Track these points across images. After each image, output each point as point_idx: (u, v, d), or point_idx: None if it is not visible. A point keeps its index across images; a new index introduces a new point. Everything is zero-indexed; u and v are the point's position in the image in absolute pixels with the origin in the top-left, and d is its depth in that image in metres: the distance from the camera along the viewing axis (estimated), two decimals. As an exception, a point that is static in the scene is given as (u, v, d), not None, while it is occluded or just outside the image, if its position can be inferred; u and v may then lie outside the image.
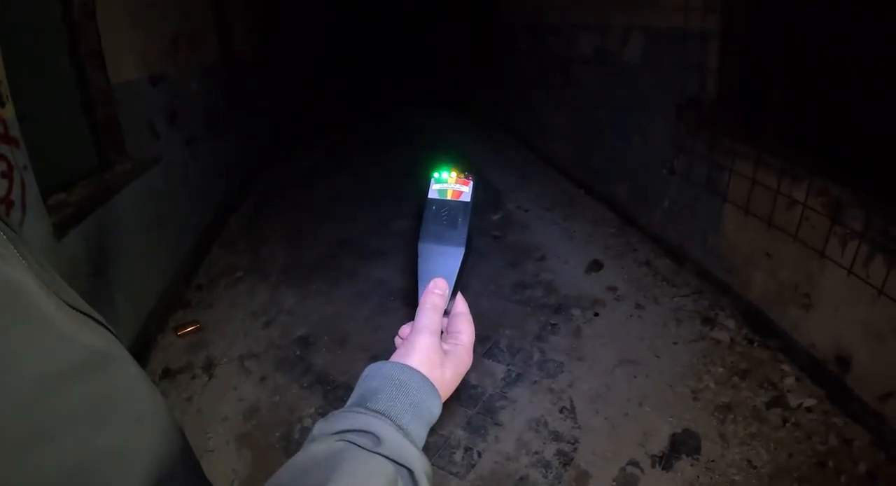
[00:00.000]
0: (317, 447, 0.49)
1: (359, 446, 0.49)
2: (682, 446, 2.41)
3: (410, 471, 0.50)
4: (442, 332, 0.66)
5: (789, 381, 2.69)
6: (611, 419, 2.59)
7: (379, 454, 0.49)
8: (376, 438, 0.50)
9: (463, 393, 2.77)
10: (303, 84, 10.82)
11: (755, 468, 2.29)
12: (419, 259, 0.67)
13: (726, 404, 2.61)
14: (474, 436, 2.54)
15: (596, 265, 3.88)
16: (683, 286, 3.54)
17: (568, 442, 2.48)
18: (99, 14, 3.02)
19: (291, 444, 2.51)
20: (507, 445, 2.49)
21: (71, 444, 0.44)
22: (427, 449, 2.22)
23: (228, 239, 4.78)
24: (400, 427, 0.52)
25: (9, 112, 2.10)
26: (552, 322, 3.31)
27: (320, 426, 0.52)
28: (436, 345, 0.61)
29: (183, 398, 2.82)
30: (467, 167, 0.70)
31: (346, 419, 0.52)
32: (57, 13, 2.88)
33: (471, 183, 0.69)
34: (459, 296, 0.69)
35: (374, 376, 0.57)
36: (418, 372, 0.57)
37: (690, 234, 3.63)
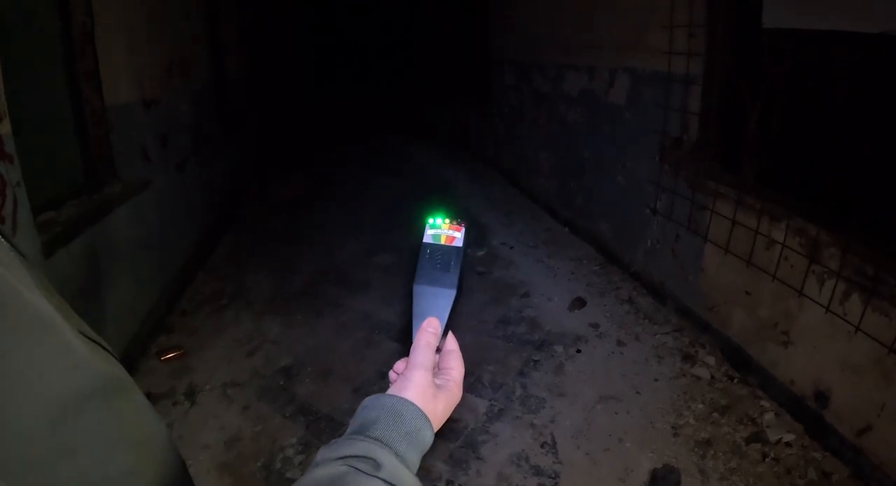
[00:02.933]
0: (321, 471, 0.52)
1: (360, 470, 0.52)
2: (662, 481, 2.42)
3: None
4: (434, 368, 0.70)
5: (769, 417, 2.72)
6: (591, 455, 2.59)
7: (378, 477, 0.52)
8: (376, 463, 0.53)
9: (445, 427, 2.74)
10: (289, 111, 10.90)
11: (735, 503, 2.31)
12: (414, 300, 0.72)
13: (706, 439, 2.62)
14: (456, 469, 2.53)
15: (579, 302, 3.92)
16: (665, 324, 3.58)
17: (549, 477, 2.48)
18: (98, 36, 3.08)
19: (272, 474, 2.49)
20: (489, 479, 2.48)
21: (90, 463, 0.48)
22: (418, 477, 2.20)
23: (213, 265, 4.78)
24: (397, 454, 0.56)
25: (5, 128, 2.11)
26: (535, 358, 3.33)
27: (323, 452, 0.55)
28: (429, 380, 0.65)
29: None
30: (459, 212, 0.76)
31: (347, 445, 0.55)
32: (55, 32, 2.93)
33: (463, 229, 0.75)
34: (450, 335, 0.73)
35: (372, 407, 0.61)
36: (414, 404, 0.61)
37: (672, 272, 3.69)
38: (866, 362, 2.35)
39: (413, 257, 0.74)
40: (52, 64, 2.95)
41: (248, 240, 5.45)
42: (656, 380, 3.07)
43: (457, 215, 0.77)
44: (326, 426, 2.80)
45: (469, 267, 4.57)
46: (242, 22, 7.14)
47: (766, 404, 2.82)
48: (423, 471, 2.48)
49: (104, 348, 0.56)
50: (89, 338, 0.54)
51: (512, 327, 3.69)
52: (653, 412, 2.83)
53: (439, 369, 0.71)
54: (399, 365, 0.71)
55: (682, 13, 3.25)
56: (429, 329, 0.70)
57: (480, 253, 4.87)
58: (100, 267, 2.92)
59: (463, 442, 2.68)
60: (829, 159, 2.63)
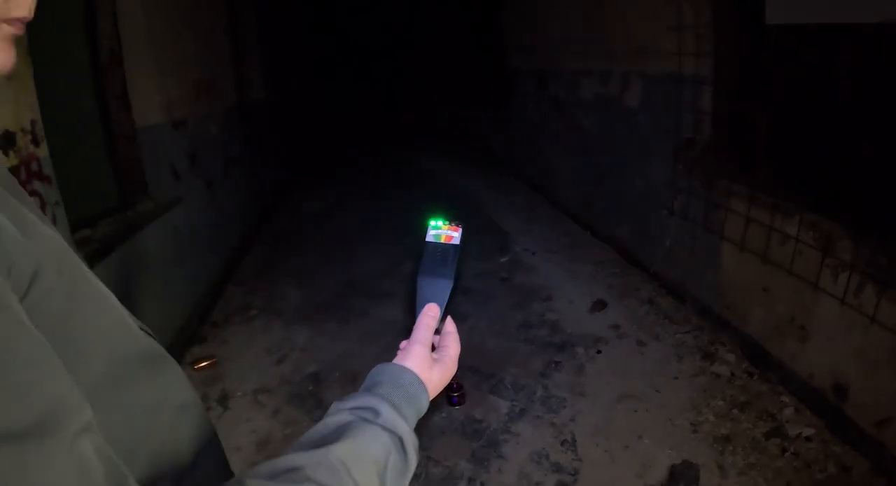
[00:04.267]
0: (331, 419, 0.65)
1: (363, 418, 0.64)
2: (680, 476, 2.44)
3: (401, 439, 0.65)
4: (434, 347, 0.81)
5: (788, 412, 2.73)
6: (611, 452, 2.64)
7: (377, 424, 0.64)
8: (376, 412, 0.65)
9: (468, 427, 2.83)
10: (305, 121, 11.03)
11: (754, 497, 2.33)
12: (417, 289, 0.84)
13: (725, 435, 2.64)
14: (478, 468, 2.59)
15: (600, 305, 3.96)
16: (685, 323, 3.60)
17: (568, 474, 2.53)
18: (126, 60, 3.26)
19: (300, 474, 2.58)
20: (510, 476, 2.54)
21: (139, 419, 0.61)
22: (431, 480, 2.29)
23: (243, 278, 4.94)
24: (395, 408, 0.67)
25: (43, 151, 2.28)
26: (556, 360, 3.38)
27: (335, 405, 0.67)
28: (427, 354, 0.77)
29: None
30: (458, 216, 0.89)
31: (355, 399, 0.67)
32: (85, 58, 3.11)
33: (460, 230, 0.87)
34: (449, 319, 0.85)
35: (378, 373, 0.72)
36: (413, 372, 0.72)
37: (691, 272, 3.71)
38: (883, 353, 2.35)
39: (418, 255, 0.86)
40: (84, 89, 3.12)
41: (276, 253, 5.60)
42: (676, 378, 3.10)
43: (455, 217, 0.88)
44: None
45: (492, 273, 4.66)
46: (260, 37, 7.33)
47: (785, 399, 2.83)
48: (446, 470, 2.57)
49: (147, 331, 0.68)
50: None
51: (534, 330, 3.74)
52: (672, 409, 2.86)
53: (438, 347, 0.82)
54: (404, 344, 0.82)
55: (688, 14, 3.30)
56: (429, 313, 0.81)
57: (503, 260, 4.94)
58: (134, 282, 3.06)
59: (485, 442, 2.74)
60: (838, 152, 2.65)
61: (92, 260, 2.60)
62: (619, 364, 3.29)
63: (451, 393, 2.96)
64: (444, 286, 0.84)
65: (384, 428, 0.64)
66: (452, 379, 0.82)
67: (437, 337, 0.83)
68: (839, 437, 2.54)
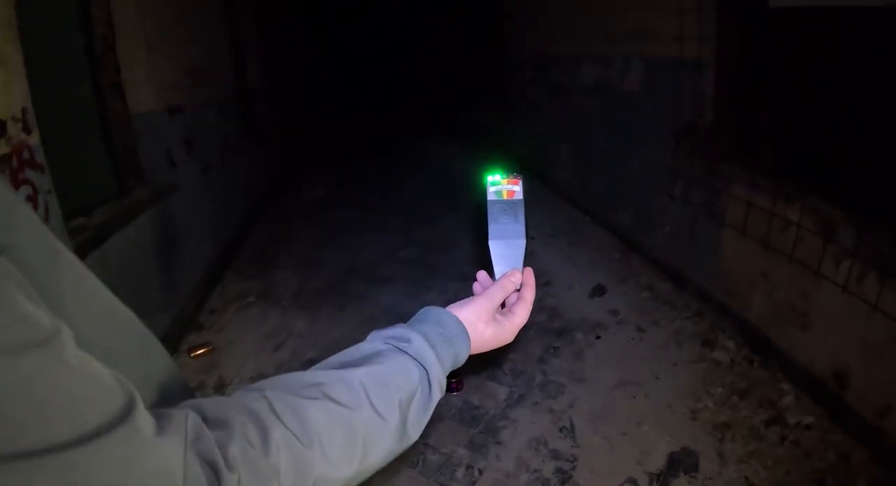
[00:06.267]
0: (365, 345, 0.69)
1: (395, 347, 0.67)
2: (679, 464, 2.43)
3: (427, 372, 0.67)
4: (504, 306, 0.82)
5: (788, 399, 2.72)
6: (609, 439, 2.62)
7: (407, 353, 0.67)
8: (408, 341, 0.68)
9: (465, 414, 2.82)
10: (310, 115, 10.97)
11: (753, 485, 2.32)
12: (492, 254, 0.82)
13: (725, 423, 2.63)
14: (475, 455, 2.57)
15: (599, 290, 3.93)
16: (684, 309, 3.58)
17: (567, 460, 2.51)
18: (120, 47, 3.21)
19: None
20: (508, 463, 2.52)
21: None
22: (429, 467, 2.26)
23: (240, 265, 4.91)
24: (428, 341, 0.69)
25: (35, 139, 2.24)
26: (555, 345, 3.36)
27: (373, 334, 0.71)
28: (488, 308, 0.77)
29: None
30: (514, 168, 0.86)
31: (393, 331, 0.70)
32: (79, 45, 3.06)
33: (520, 181, 0.84)
34: (530, 287, 0.82)
35: (423, 312, 0.74)
36: (455, 317, 0.73)
37: (691, 258, 3.69)
38: (885, 341, 2.33)
39: (477, 212, 0.85)
40: (78, 76, 3.07)
41: (273, 241, 5.56)
42: (675, 365, 3.08)
43: (511, 169, 0.85)
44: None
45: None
46: (260, 28, 7.25)
47: (785, 386, 2.81)
48: (444, 457, 2.55)
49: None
50: None
51: (533, 315, 3.70)
52: (671, 396, 2.85)
53: (507, 309, 0.81)
54: (482, 274, 0.85)
55: (690, -3, 3.24)
56: (511, 278, 0.81)
57: (502, 244, 4.90)
58: (129, 269, 3.03)
59: (483, 428, 2.73)
60: (842, 137, 2.61)
61: (87, 248, 2.57)
62: (617, 350, 3.28)
63: (449, 379, 2.94)
64: (519, 247, 0.82)
65: (413, 359, 0.66)
66: None
67: (516, 295, 0.82)
68: (839, 425, 2.53)
